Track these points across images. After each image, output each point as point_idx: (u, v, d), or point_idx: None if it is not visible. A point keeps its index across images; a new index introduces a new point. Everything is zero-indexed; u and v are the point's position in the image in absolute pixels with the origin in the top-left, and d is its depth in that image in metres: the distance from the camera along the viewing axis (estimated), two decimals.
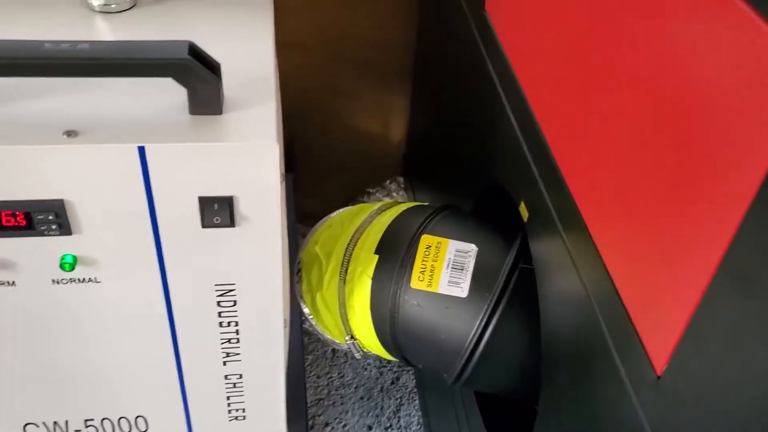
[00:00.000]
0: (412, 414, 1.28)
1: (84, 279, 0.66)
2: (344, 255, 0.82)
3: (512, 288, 0.72)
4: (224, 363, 0.77)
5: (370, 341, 0.83)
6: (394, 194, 1.42)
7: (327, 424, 1.26)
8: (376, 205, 0.89)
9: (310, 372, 1.33)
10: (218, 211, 0.62)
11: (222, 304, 0.70)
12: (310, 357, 1.35)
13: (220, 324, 0.72)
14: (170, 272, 0.67)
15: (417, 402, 1.29)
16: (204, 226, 0.63)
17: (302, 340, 1.28)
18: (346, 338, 0.85)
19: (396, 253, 0.77)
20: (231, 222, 0.63)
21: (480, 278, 0.73)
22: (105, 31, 0.72)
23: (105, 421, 0.81)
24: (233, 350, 0.75)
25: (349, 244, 0.82)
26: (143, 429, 0.83)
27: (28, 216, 0.60)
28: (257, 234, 0.65)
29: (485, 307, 0.72)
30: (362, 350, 0.86)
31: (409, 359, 0.82)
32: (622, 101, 0.50)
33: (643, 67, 0.47)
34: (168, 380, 0.77)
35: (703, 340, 0.39)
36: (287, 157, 1.03)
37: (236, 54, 0.67)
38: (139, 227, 0.63)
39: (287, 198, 0.81)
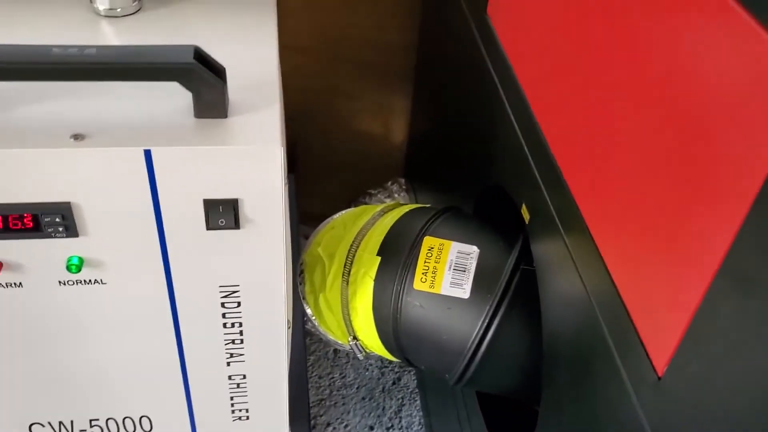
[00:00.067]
0: (414, 414, 1.28)
1: (90, 280, 0.67)
2: (347, 256, 0.82)
3: (514, 289, 0.73)
4: (228, 364, 0.77)
5: (372, 342, 0.83)
6: (396, 195, 1.42)
7: (329, 425, 1.26)
8: (379, 207, 0.90)
9: (312, 372, 1.34)
10: (223, 213, 0.63)
11: (226, 305, 0.71)
12: (311, 357, 1.36)
13: (224, 325, 0.73)
14: (175, 274, 0.68)
15: (418, 402, 1.29)
16: (209, 228, 0.64)
17: (304, 341, 1.29)
18: (349, 339, 0.86)
19: (399, 254, 0.78)
20: (235, 224, 0.64)
21: (482, 279, 0.74)
22: (110, 35, 0.72)
23: (110, 421, 0.82)
24: (237, 351, 0.76)
25: (351, 245, 0.83)
26: (147, 429, 0.84)
27: (35, 218, 0.61)
28: (261, 236, 0.65)
29: (487, 308, 0.73)
30: (365, 351, 0.86)
31: (411, 360, 0.82)
32: (623, 103, 0.50)
33: (644, 69, 0.48)
34: (172, 380, 0.78)
35: (703, 340, 0.40)
36: (289, 158, 1.04)
37: (240, 57, 0.68)
38: (144, 229, 0.64)
39: (290, 199, 0.81)
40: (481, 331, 0.73)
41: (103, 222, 0.62)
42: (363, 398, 1.31)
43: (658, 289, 0.45)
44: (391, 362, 1.35)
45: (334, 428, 1.26)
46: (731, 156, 0.38)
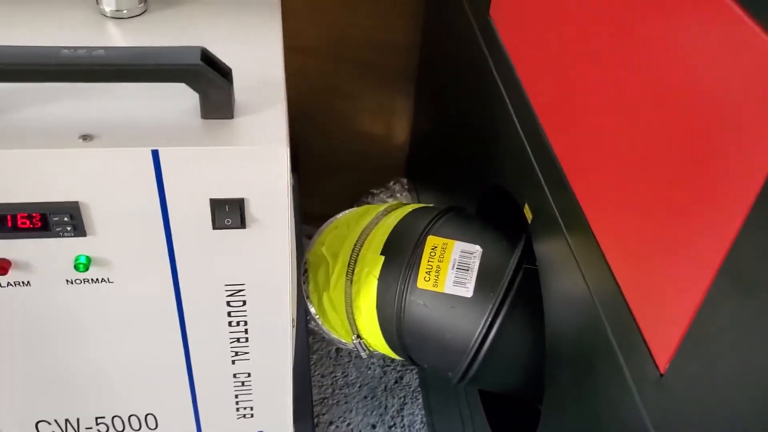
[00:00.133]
0: (416, 413, 1.29)
1: (97, 279, 0.67)
2: (351, 256, 0.83)
3: (516, 288, 0.73)
4: (233, 362, 0.78)
5: (376, 341, 0.84)
6: (398, 195, 1.43)
7: (331, 423, 1.27)
8: (382, 207, 0.90)
9: (315, 371, 1.34)
10: (229, 212, 0.64)
11: (231, 303, 0.72)
12: (314, 356, 1.36)
13: (230, 323, 0.74)
14: (181, 273, 0.68)
15: (420, 401, 1.30)
16: (215, 227, 0.65)
17: (308, 340, 1.29)
18: (353, 338, 0.86)
19: (402, 253, 0.79)
20: (241, 223, 0.65)
21: (485, 278, 0.75)
22: (117, 36, 0.73)
23: (116, 418, 0.82)
24: (242, 349, 0.77)
25: (355, 245, 0.84)
26: (153, 426, 0.84)
27: (43, 217, 0.61)
28: (267, 235, 0.66)
29: (490, 306, 0.73)
30: (368, 349, 0.87)
31: (414, 358, 0.83)
32: (625, 103, 0.51)
33: (646, 70, 0.48)
34: (178, 379, 0.79)
35: (705, 338, 0.41)
36: (291, 158, 1.05)
37: (246, 58, 0.68)
38: (151, 228, 0.64)
39: (294, 198, 0.82)
40: (484, 330, 0.73)
41: (111, 221, 0.63)
42: (365, 397, 1.31)
43: (660, 288, 0.45)
44: (393, 361, 1.36)
45: (337, 427, 1.27)
46: (732, 155, 0.39)
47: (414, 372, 1.35)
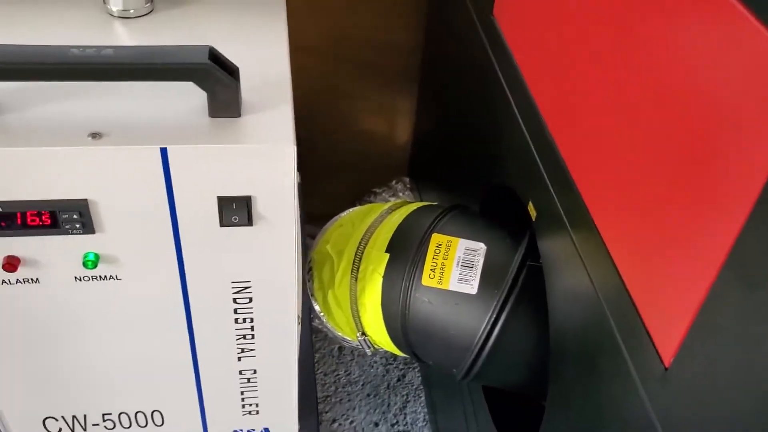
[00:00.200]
0: (418, 411, 1.29)
1: (105, 276, 0.68)
2: (356, 253, 0.83)
3: (521, 285, 0.74)
4: (239, 359, 0.78)
5: (381, 338, 0.85)
6: (400, 194, 1.43)
7: (334, 421, 1.28)
8: (386, 205, 0.91)
9: (317, 369, 1.35)
10: (236, 210, 0.64)
11: (238, 301, 0.72)
12: (317, 355, 1.37)
13: (236, 320, 0.74)
14: (188, 270, 0.69)
15: (423, 399, 1.31)
16: (222, 225, 0.65)
17: (311, 338, 1.30)
18: (358, 335, 0.87)
19: (407, 251, 0.79)
20: (248, 221, 0.65)
21: (489, 276, 0.75)
22: (124, 35, 0.74)
23: (122, 415, 0.83)
24: (248, 346, 0.77)
25: (360, 242, 0.84)
26: (159, 423, 0.85)
27: (53, 215, 0.62)
28: (273, 233, 0.67)
29: (494, 303, 0.74)
30: (373, 346, 0.88)
31: (419, 355, 0.84)
32: (629, 101, 0.52)
33: (649, 68, 0.49)
34: (184, 375, 0.79)
35: (710, 332, 0.41)
36: None
37: (252, 58, 0.69)
38: (159, 226, 0.65)
39: (300, 196, 0.82)
40: (489, 327, 0.74)
41: (119, 219, 0.64)
42: (368, 395, 1.32)
43: (665, 283, 0.46)
44: (395, 359, 1.37)
45: (340, 424, 1.27)
46: (735, 152, 0.39)
47: (416, 370, 1.35)
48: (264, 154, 0.61)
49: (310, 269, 0.91)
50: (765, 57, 0.37)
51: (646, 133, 0.49)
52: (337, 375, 1.35)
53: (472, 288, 0.75)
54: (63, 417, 0.82)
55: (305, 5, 1.24)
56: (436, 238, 0.79)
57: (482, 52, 0.86)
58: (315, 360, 1.36)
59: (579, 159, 0.60)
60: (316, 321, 0.96)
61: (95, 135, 0.59)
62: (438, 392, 1.18)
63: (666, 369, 0.45)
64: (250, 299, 0.72)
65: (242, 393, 0.83)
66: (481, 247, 0.77)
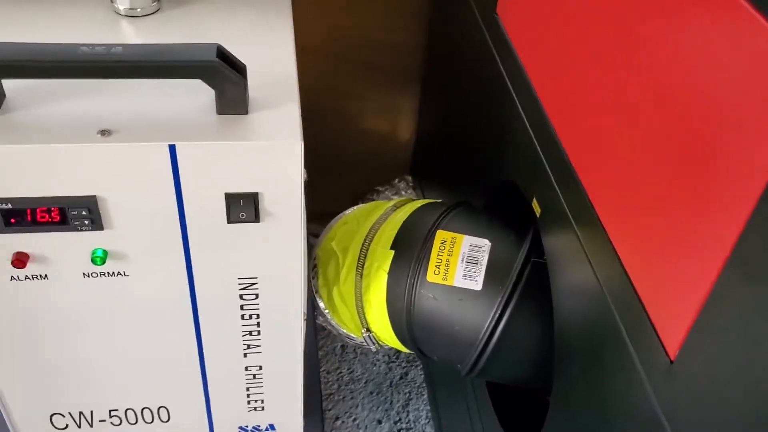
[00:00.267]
0: (421, 408, 1.30)
1: (113, 273, 0.68)
2: (361, 250, 0.84)
3: (525, 281, 0.74)
4: (245, 355, 0.79)
5: (385, 334, 0.85)
6: (403, 193, 1.44)
7: (337, 418, 1.28)
8: (391, 203, 0.92)
9: (321, 368, 1.35)
10: (243, 206, 0.65)
11: (244, 297, 0.73)
12: (320, 353, 1.37)
13: (242, 317, 0.75)
14: (196, 266, 0.70)
15: (425, 396, 1.31)
16: (229, 221, 0.66)
17: (315, 335, 1.30)
18: (363, 331, 0.87)
19: (412, 248, 0.80)
20: (255, 217, 0.66)
21: (493, 272, 0.76)
22: (131, 34, 0.74)
23: (129, 411, 0.84)
24: (254, 342, 0.78)
25: (365, 239, 0.85)
26: (165, 419, 0.85)
27: (62, 211, 0.62)
28: (280, 229, 0.67)
29: (499, 299, 0.74)
30: (378, 343, 0.88)
31: (424, 351, 0.84)
32: (633, 98, 0.52)
33: (652, 64, 0.49)
34: (190, 371, 0.80)
35: (715, 324, 0.42)
36: None
37: (258, 56, 0.69)
38: (167, 222, 0.65)
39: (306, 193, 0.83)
40: (493, 322, 0.74)
41: (128, 215, 0.64)
42: (371, 393, 1.32)
43: (670, 277, 0.46)
44: (398, 357, 1.37)
45: (343, 422, 1.28)
46: (739, 149, 0.40)
47: (419, 368, 1.36)
48: (271, 150, 0.62)
49: (315, 266, 0.92)
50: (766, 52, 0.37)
51: (649, 130, 0.50)
52: (340, 373, 1.36)
53: (477, 284, 0.76)
54: (70, 413, 0.82)
55: (308, 5, 1.24)
56: (440, 234, 0.80)
57: (485, 50, 0.86)
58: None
59: (583, 155, 0.61)
60: (320, 318, 0.97)
61: (104, 132, 0.60)
62: (441, 389, 1.19)
63: (671, 362, 0.46)
64: (257, 295, 0.73)
65: (248, 389, 0.83)
66: (486, 243, 0.77)
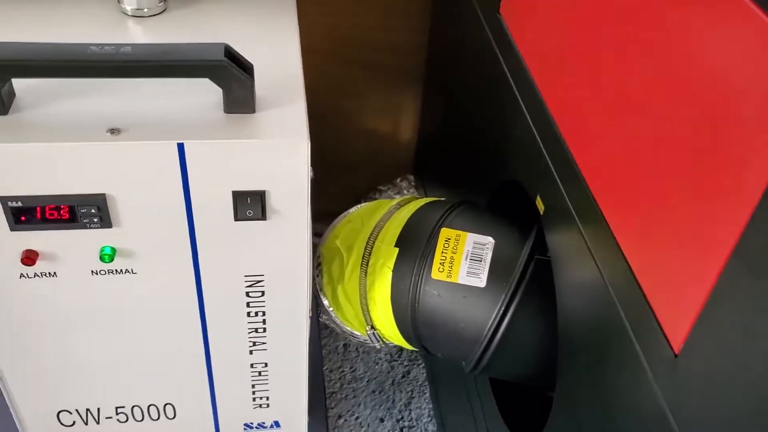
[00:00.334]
0: (423, 407, 1.31)
1: (121, 270, 0.69)
2: (365, 248, 0.85)
3: (528, 278, 0.75)
4: (251, 352, 0.80)
5: (390, 331, 0.86)
6: (405, 192, 1.45)
7: (340, 417, 1.29)
8: (395, 201, 0.92)
9: (323, 366, 1.36)
10: (251, 204, 0.65)
11: (251, 294, 0.74)
12: (322, 352, 1.38)
13: (248, 314, 0.76)
14: (203, 263, 0.70)
15: (427, 394, 1.32)
16: (237, 219, 0.66)
17: (319, 333, 1.31)
18: (367, 329, 0.88)
19: (416, 245, 0.81)
20: (262, 215, 0.66)
21: (497, 269, 0.77)
22: (138, 34, 0.75)
23: (135, 408, 0.84)
24: (260, 339, 0.78)
25: (369, 237, 0.85)
26: (171, 416, 0.86)
27: (71, 209, 0.63)
28: (287, 227, 0.68)
29: (503, 296, 0.75)
30: (382, 340, 0.89)
31: (428, 348, 0.85)
32: (636, 94, 0.53)
33: (655, 61, 0.50)
34: (196, 369, 0.81)
35: (719, 317, 0.42)
36: None
37: (264, 55, 0.70)
38: (175, 220, 0.66)
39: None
40: (497, 319, 0.75)
41: (136, 213, 0.65)
42: (373, 391, 1.33)
43: (674, 271, 0.47)
44: (400, 356, 1.38)
45: (345, 420, 1.28)
46: (743, 143, 0.41)
47: (421, 366, 1.36)
48: (278, 149, 0.63)
49: (319, 265, 0.92)
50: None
51: (653, 126, 0.50)
52: (342, 372, 1.36)
53: (481, 281, 0.76)
54: (77, 410, 0.83)
55: (310, 5, 1.25)
56: (445, 232, 0.80)
57: (488, 49, 0.87)
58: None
59: (587, 153, 0.61)
60: (324, 317, 0.97)
61: (114, 131, 0.61)
62: (443, 387, 1.19)
63: (676, 356, 0.47)
64: (263, 293, 0.74)
65: (253, 386, 0.84)
66: (490, 241, 0.78)
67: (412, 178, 1.47)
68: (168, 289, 0.72)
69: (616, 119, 0.56)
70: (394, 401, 1.31)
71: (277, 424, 0.90)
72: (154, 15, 0.77)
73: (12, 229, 0.63)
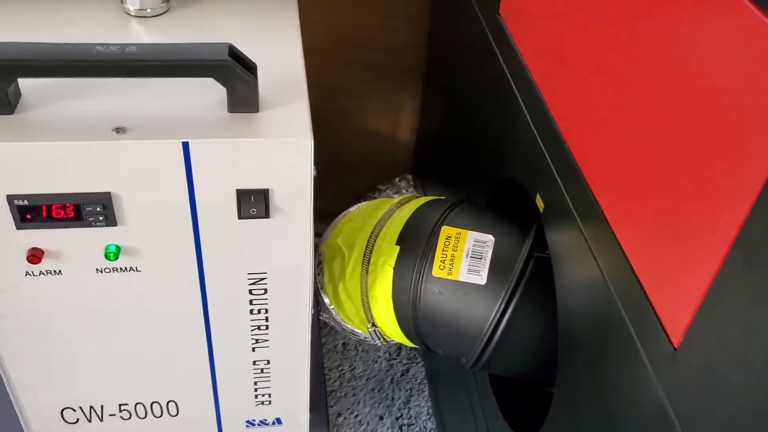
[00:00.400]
0: (422, 404, 1.31)
1: (126, 268, 0.70)
2: (366, 246, 0.85)
3: (528, 275, 0.76)
4: (253, 349, 0.80)
5: (391, 329, 0.87)
6: (404, 192, 1.45)
7: (339, 415, 1.29)
8: (396, 200, 0.93)
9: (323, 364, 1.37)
10: (254, 203, 0.66)
11: (253, 292, 0.74)
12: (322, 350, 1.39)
13: (251, 311, 0.76)
14: (206, 261, 0.71)
15: (426, 392, 1.33)
16: (240, 217, 0.67)
17: (319, 331, 1.32)
18: (368, 326, 0.89)
19: (417, 243, 0.81)
20: (266, 213, 0.67)
21: (498, 267, 0.77)
22: (142, 34, 0.75)
23: (138, 405, 0.85)
24: (262, 337, 0.79)
25: (370, 235, 0.86)
26: (174, 413, 0.87)
27: (77, 208, 0.64)
28: (290, 225, 0.69)
29: (503, 293, 0.76)
30: (383, 338, 0.89)
31: (429, 345, 0.86)
32: (635, 91, 0.54)
33: (655, 61, 0.51)
34: (199, 366, 0.81)
35: (718, 311, 0.43)
36: None
37: (267, 55, 0.70)
38: (179, 218, 0.67)
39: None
40: (497, 316, 0.76)
41: (141, 211, 0.66)
42: (372, 389, 1.34)
43: (674, 265, 0.48)
44: (399, 354, 1.38)
45: (345, 418, 1.29)
46: (741, 139, 0.41)
47: (420, 365, 1.37)
48: (282, 147, 0.63)
49: (320, 263, 0.93)
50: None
51: (652, 124, 0.51)
52: (342, 370, 1.37)
53: (482, 279, 0.77)
54: (80, 407, 0.84)
55: (310, 5, 1.25)
56: (445, 230, 0.81)
57: (488, 49, 0.88)
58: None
59: (586, 151, 0.62)
60: (324, 315, 0.98)
61: (119, 130, 0.61)
62: (442, 385, 1.20)
63: (675, 349, 0.47)
64: (266, 290, 0.74)
65: (255, 383, 0.85)
66: (490, 238, 0.79)
67: (410, 177, 1.48)
68: (172, 286, 0.72)
69: (616, 117, 0.57)
70: (393, 399, 1.32)
71: (279, 421, 0.91)
72: (157, 15, 0.78)
73: (18, 228, 0.64)
